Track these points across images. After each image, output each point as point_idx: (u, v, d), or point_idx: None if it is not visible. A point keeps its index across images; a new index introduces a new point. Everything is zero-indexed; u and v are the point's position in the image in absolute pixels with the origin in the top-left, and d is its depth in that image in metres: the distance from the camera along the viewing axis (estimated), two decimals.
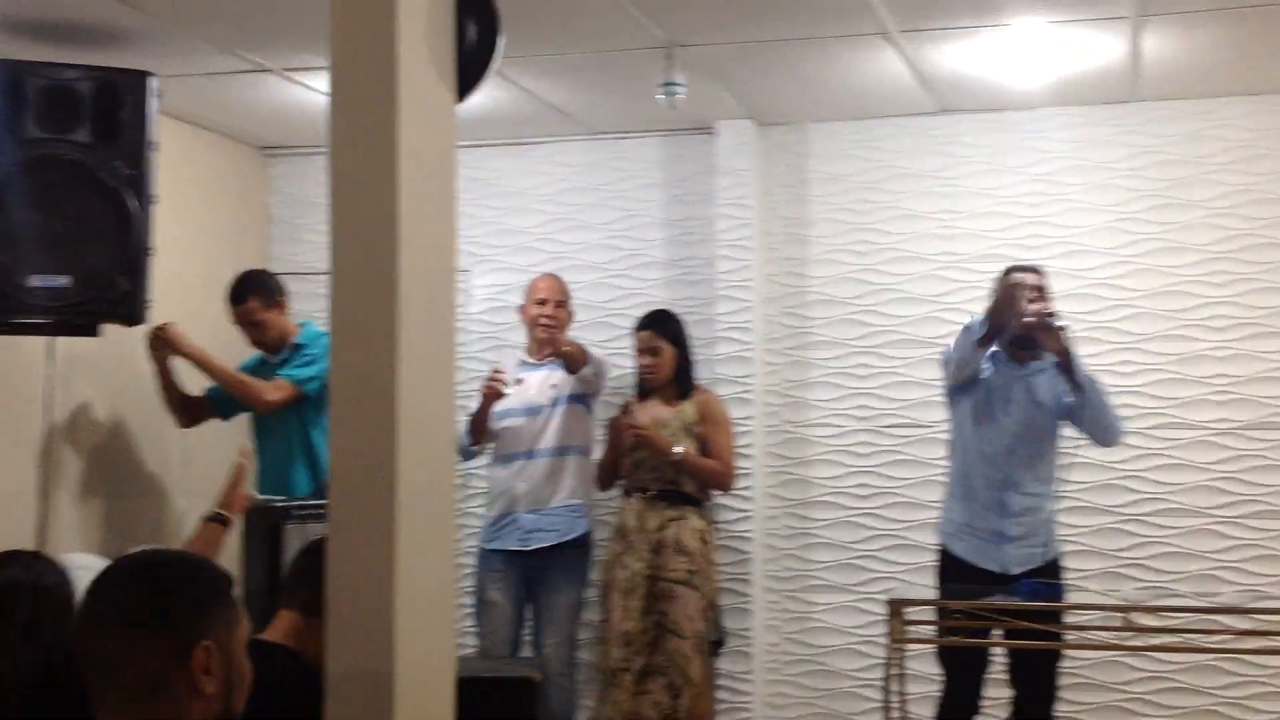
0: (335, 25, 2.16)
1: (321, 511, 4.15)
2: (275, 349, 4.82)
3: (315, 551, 2.66)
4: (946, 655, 4.11)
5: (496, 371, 4.79)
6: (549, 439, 4.81)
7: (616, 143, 5.61)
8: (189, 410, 4.84)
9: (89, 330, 4.23)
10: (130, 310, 4.13)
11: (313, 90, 4.85)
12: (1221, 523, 4.89)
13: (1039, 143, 5.20)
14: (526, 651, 4.84)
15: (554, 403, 4.81)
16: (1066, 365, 4.02)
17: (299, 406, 4.74)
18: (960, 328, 4.22)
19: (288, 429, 4.79)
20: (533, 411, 4.80)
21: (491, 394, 4.74)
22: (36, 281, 3.97)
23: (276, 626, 2.70)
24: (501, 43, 2.34)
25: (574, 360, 4.65)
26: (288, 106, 5.15)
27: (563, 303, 4.95)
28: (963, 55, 4.52)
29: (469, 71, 2.25)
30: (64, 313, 4.06)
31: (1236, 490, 4.90)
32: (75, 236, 4.01)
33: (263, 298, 4.78)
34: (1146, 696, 4.91)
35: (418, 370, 2.12)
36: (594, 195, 5.64)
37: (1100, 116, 5.12)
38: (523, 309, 5.00)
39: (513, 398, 4.80)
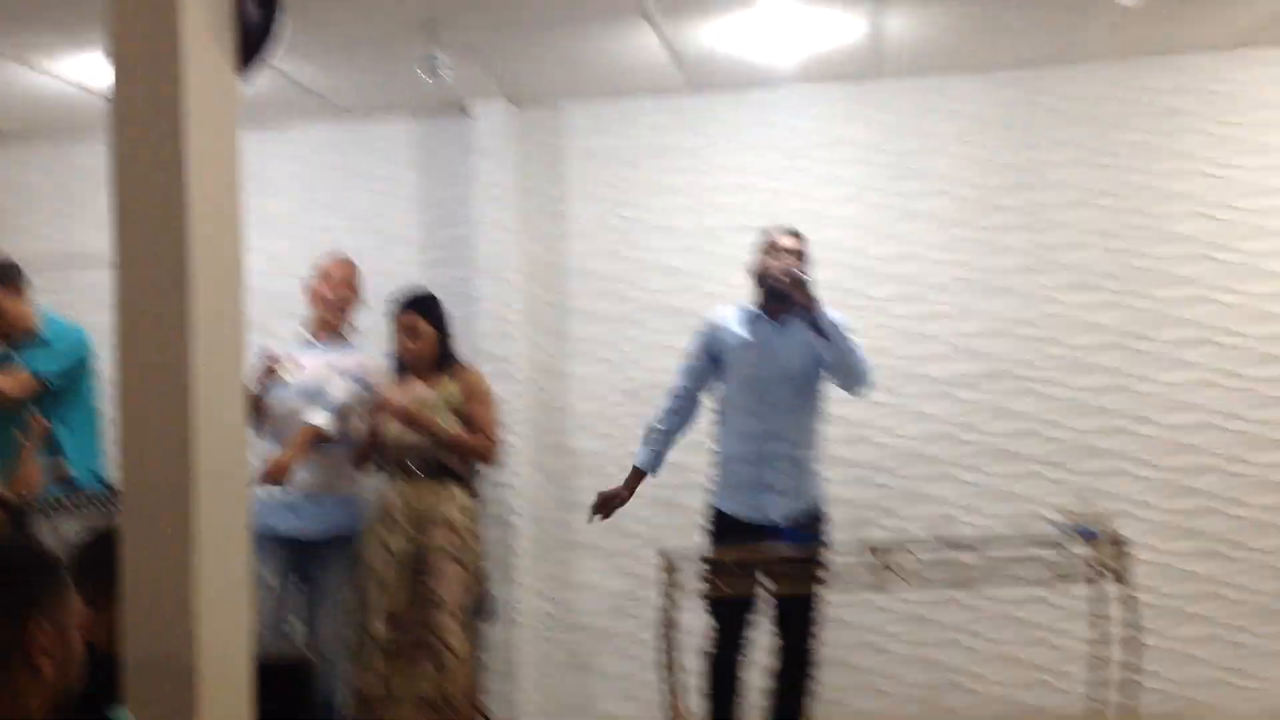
0: (115, 4, 2.13)
1: (71, 505, 4.08)
2: (13, 338, 4.63)
3: (95, 545, 2.65)
4: (715, 605, 4.29)
5: (273, 357, 4.72)
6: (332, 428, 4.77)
7: (371, 126, 5.60)
8: None
9: None
10: None
11: (39, 73, 4.65)
12: (959, 467, 5.28)
13: (786, 119, 5.45)
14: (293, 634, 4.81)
15: (338, 396, 4.77)
16: (812, 317, 4.21)
17: (38, 399, 4.56)
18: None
19: (24, 421, 4.60)
20: (317, 397, 4.76)
21: (269, 378, 4.67)
22: None
23: None
24: (284, 20, 2.35)
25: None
26: (9, 91, 4.93)
27: (351, 284, 4.92)
28: (714, 34, 4.68)
29: (252, 49, 2.26)
30: None
31: (968, 437, 5.28)
32: None
33: (4, 284, 4.58)
34: (894, 633, 5.28)
35: (211, 355, 2.13)
36: (350, 178, 5.62)
37: (843, 93, 5.41)
38: (309, 287, 4.94)
39: (294, 377, 4.74)
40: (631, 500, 4.57)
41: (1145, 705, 4.64)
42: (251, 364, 4.78)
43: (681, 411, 4.48)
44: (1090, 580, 4.06)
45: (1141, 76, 5.27)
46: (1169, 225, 5.23)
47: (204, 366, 2.11)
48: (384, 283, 5.28)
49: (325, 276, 4.92)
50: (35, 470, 3.80)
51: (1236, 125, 5.21)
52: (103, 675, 2.15)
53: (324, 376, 4.76)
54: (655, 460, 4.50)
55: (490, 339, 5.36)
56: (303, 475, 4.67)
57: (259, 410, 4.66)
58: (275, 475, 4.53)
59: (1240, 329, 5.16)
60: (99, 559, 2.39)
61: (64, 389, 4.59)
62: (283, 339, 4.89)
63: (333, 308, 4.87)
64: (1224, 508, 5.14)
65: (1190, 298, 5.20)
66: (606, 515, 4.52)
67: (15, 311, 4.60)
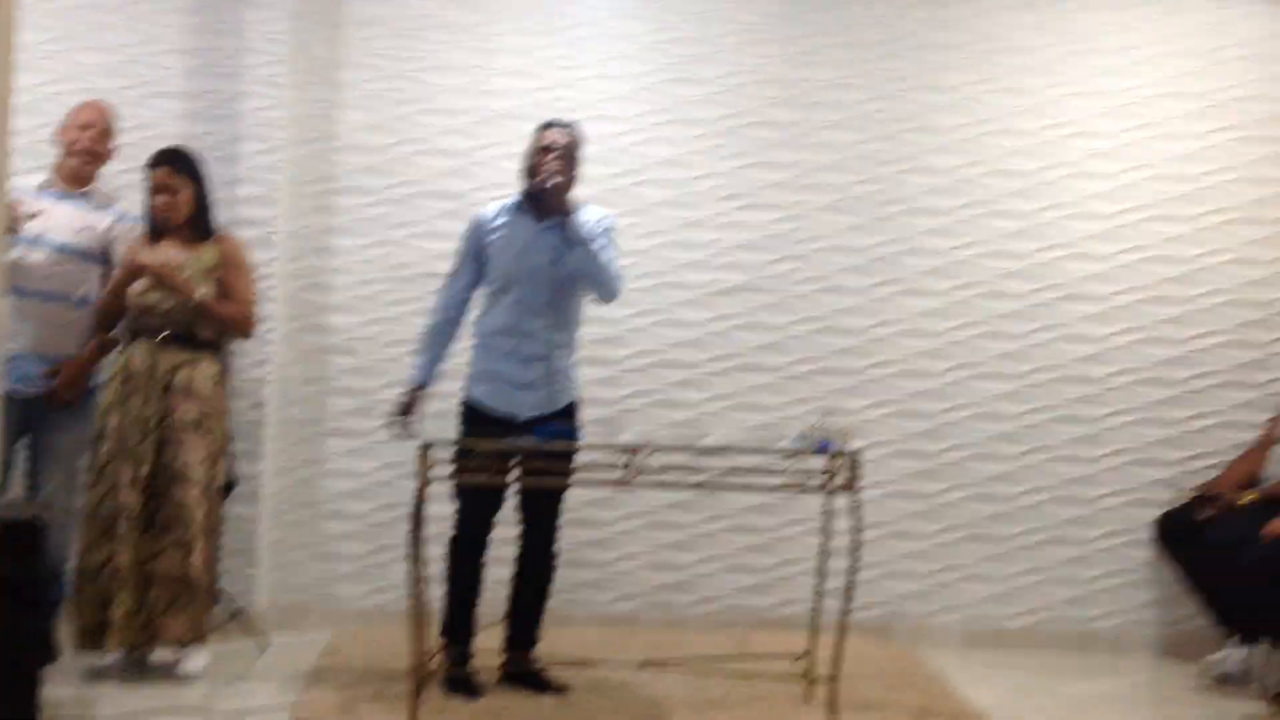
0: None
1: None
2: None
3: None
4: (462, 493, 4.33)
5: (16, 203, 4.41)
6: (73, 285, 4.52)
7: None
8: None
9: None
10: None
11: None
12: (706, 375, 5.44)
13: (570, 8, 5.41)
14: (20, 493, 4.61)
15: (84, 253, 4.53)
16: (564, 223, 4.24)
17: None
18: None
19: None
20: (61, 251, 4.48)
21: (9, 228, 4.36)
22: None
23: None
24: None
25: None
26: None
27: (108, 133, 4.64)
28: None
29: None
30: None
31: (720, 347, 5.45)
32: None
33: None
34: (630, 532, 5.44)
35: None
36: (108, 15, 5.28)
37: None
38: (62, 131, 4.62)
39: (36, 227, 4.46)
40: (392, 385, 4.48)
41: (860, 613, 4.97)
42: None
43: (450, 317, 4.43)
44: (825, 491, 4.27)
45: (916, 9, 5.46)
46: (923, 157, 5.46)
47: None
48: (142, 137, 5.02)
49: (78, 121, 4.62)
50: None
51: (994, 65, 5.47)
52: None
53: (69, 226, 4.50)
54: (429, 368, 4.43)
55: (251, 205, 5.16)
56: (35, 332, 4.44)
57: None
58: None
59: (976, 262, 5.46)
60: None
61: None
62: (25, 185, 4.57)
63: (84, 156, 4.58)
64: (943, 431, 5.47)
65: (934, 229, 5.46)
66: (404, 433, 4.43)
67: None
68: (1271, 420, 5.27)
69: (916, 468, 5.47)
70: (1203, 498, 5.19)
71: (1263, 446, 5.24)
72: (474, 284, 4.41)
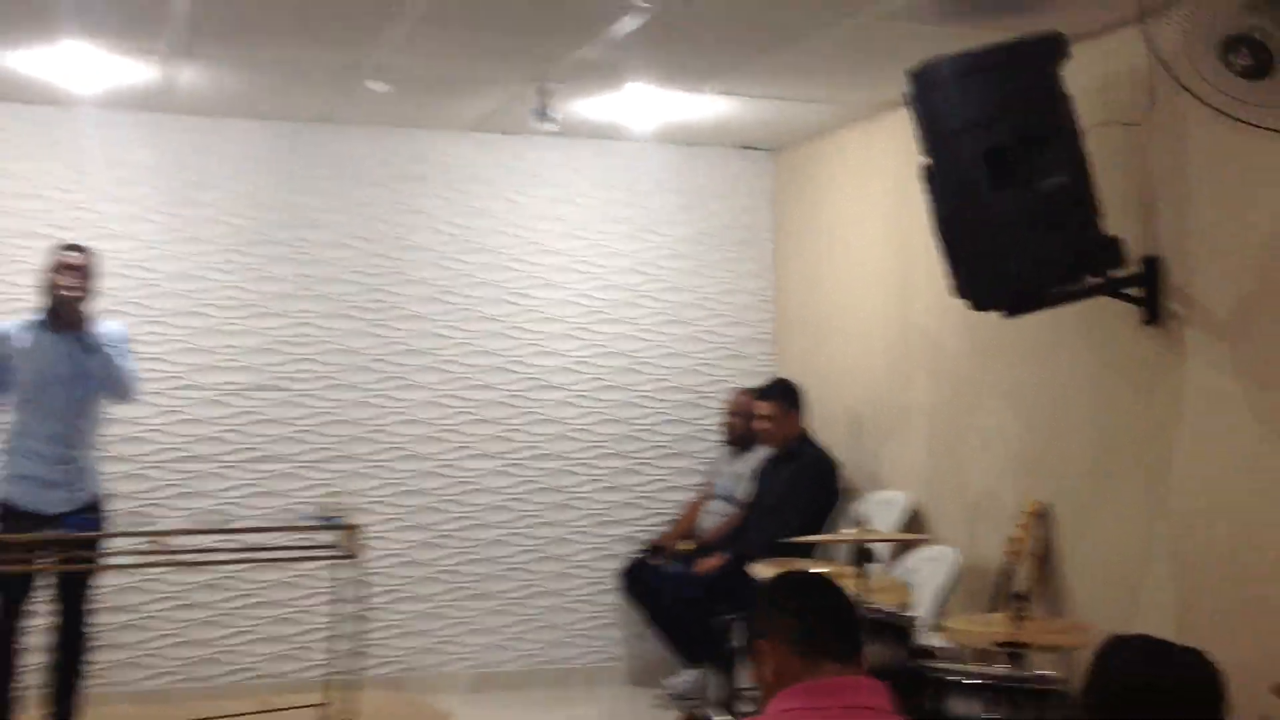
0: None
1: None
2: None
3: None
4: (3, 582, 4.66)
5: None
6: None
7: None
8: None
9: None
10: None
11: None
12: (228, 466, 5.98)
13: (74, 138, 5.84)
14: None
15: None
16: (80, 335, 4.76)
17: None
18: None
19: None
20: None
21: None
22: None
23: None
24: None
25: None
26: None
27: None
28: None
29: None
30: None
31: (237, 440, 6.01)
32: None
33: None
34: (161, 614, 5.86)
35: None
36: None
37: (133, 120, 5.92)
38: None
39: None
40: None
41: (374, 671, 5.67)
42: None
43: None
44: (332, 560, 4.92)
45: (393, 144, 6.33)
46: (410, 270, 6.32)
47: None
48: None
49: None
50: None
51: (463, 193, 6.41)
52: None
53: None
54: None
55: None
56: None
57: None
58: None
59: (462, 360, 6.37)
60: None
61: None
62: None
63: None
64: (442, 505, 6.30)
65: (424, 331, 6.32)
66: None
67: None
68: (703, 483, 6.49)
69: (421, 538, 6.25)
70: (655, 548, 6.32)
71: (697, 504, 6.45)
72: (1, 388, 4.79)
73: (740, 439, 6.29)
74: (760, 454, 6.08)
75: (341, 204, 6.24)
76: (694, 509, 6.45)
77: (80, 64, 5.02)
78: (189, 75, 5.31)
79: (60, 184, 5.83)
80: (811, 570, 3.53)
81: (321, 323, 6.17)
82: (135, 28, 4.60)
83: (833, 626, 2.31)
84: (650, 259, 6.69)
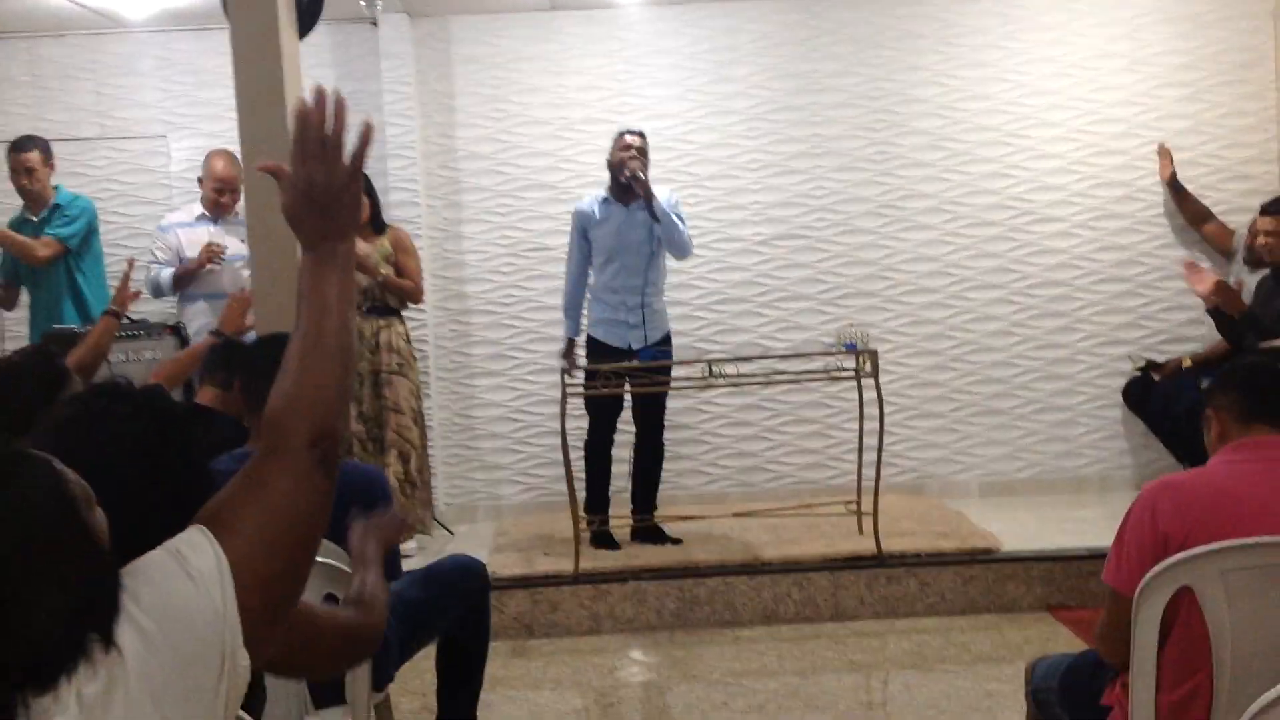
0: None
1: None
2: (37, 206, 5.80)
3: (219, 347, 4.03)
4: (592, 404, 5.91)
5: (216, 246, 5.91)
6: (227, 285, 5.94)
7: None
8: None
9: None
10: None
11: None
12: (762, 305, 6.97)
13: (624, 33, 6.92)
14: None
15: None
16: (648, 205, 5.77)
17: (64, 258, 5.79)
18: None
19: (55, 278, 5.82)
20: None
21: (206, 262, 5.90)
22: None
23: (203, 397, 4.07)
24: None
25: None
26: None
27: (236, 182, 5.90)
28: None
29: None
30: None
31: (768, 283, 6.97)
32: None
33: (44, 153, 5.75)
34: (716, 430, 7.01)
35: None
36: None
37: (671, 13, 6.91)
38: (202, 183, 6.10)
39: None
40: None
41: (894, 479, 6.53)
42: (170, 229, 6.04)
43: (577, 285, 5.99)
44: (857, 381, 5.77)
45: (894, 6, 6.93)
46: (911, 121, 6.95)
47: None
48: None
49: (214, 174, 6.00)
50: (131, 292, 4.85)
51: (959, 46, 6.93)
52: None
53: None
54: (575, 326, 6.02)
55: (400, 206, 6.75)
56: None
57: (184, 278, 5.90)
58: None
59: (963, 200, 6.95)
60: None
61: (82, 248, 5.81)
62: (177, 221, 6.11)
63: (225, 192, 6.00)
64: (949, 333, 6.98)
65: (927, 176, 6.95)
66: (570, 369, 5.91)
67: (44, 181, 5.77)
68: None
69: (932, 362, 6.98)
70: (1155, 364, 6.69)
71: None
72: (586, 259, 5.96)
73: (1258, 260, 6.31)
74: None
75: (846, 67, 6.94)
76: None
77: None
78: None
79: (616, 75, 6.94)
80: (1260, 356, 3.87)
81: (834, 175, 6.96)
82: None
83: (1269, 399, 2.80)
84: (1145, 90, 6.91)
